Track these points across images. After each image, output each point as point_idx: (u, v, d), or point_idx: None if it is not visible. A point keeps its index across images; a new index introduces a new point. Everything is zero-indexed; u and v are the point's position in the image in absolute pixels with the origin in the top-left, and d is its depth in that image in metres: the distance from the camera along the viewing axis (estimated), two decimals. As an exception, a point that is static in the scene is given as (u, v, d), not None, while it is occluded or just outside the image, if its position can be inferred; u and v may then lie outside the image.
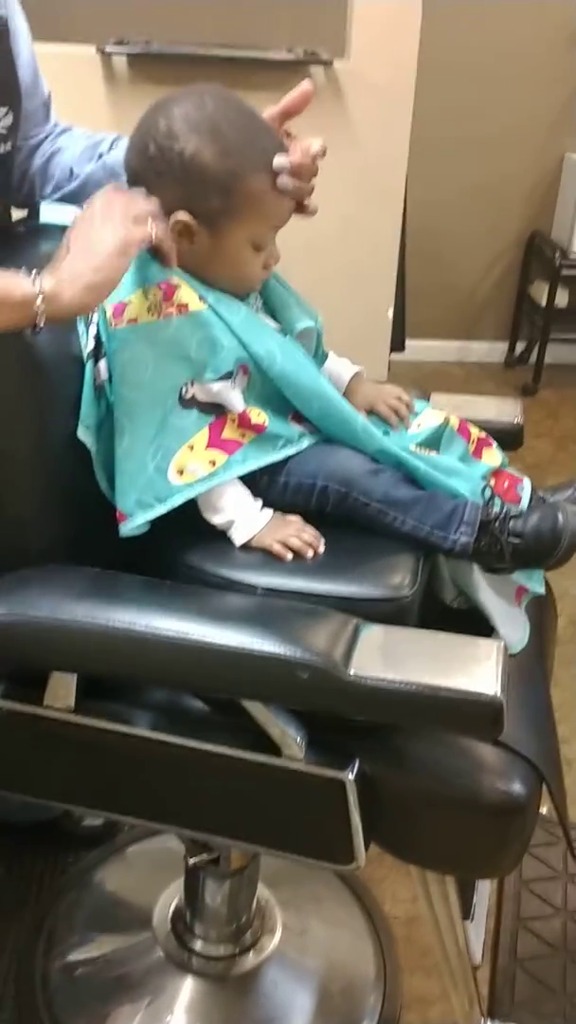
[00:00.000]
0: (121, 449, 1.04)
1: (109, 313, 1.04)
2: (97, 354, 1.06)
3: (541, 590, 1.21)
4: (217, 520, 1.06)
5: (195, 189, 1.03)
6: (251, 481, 1.08)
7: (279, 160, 1.04)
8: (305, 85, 1.08)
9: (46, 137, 1.29)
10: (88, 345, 1.06)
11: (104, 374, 1.06)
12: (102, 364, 1.06)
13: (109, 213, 0.98)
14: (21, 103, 1.19)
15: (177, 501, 1.04)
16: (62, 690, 1.00)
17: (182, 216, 1.03)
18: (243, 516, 1.05)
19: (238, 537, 1.05)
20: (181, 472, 1.04)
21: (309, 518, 1.08)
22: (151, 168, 1.03)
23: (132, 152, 1.06)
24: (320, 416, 1.11)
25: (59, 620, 0.95)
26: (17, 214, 1.27)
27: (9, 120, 1.17)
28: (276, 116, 1.09)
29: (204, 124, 1.02)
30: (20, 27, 1.20)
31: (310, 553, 1.03)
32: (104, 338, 1.05)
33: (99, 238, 0.97)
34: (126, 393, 1.03)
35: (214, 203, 1.03)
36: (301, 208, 1.08)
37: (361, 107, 2.59)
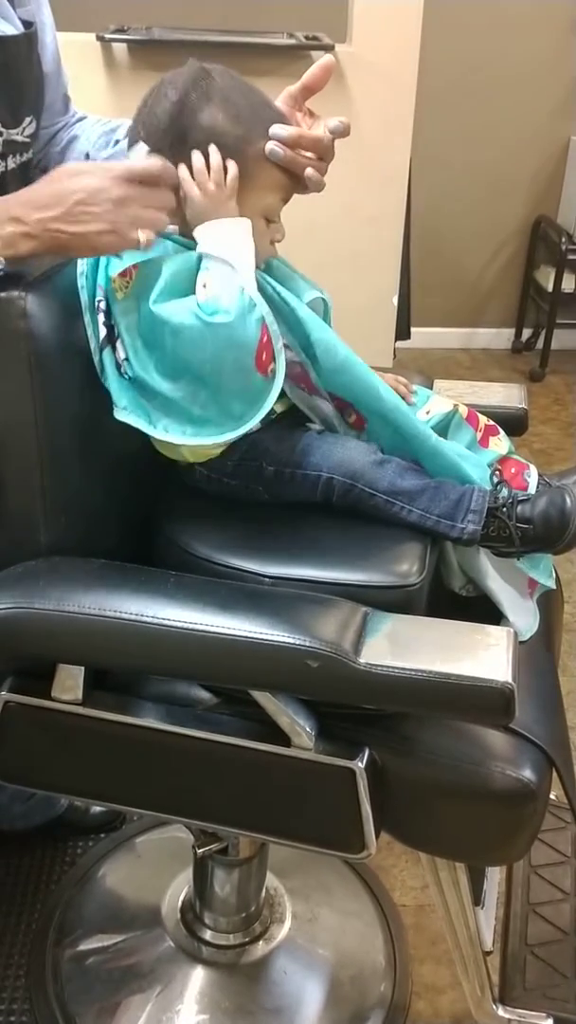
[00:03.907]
0: (198, 404, 1.01)
1: (116, 284, 1.01)
2: (111, 338, 1.03)
3: (552, 584, 1.20)
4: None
5: None
6: (256, 473, 1.08)
7: (275, 128, 1.03)
8: (326, 60, 1.07)
9: (63, 126, 1.29)
10: (100, 333, 1.04)
11: (122, 353, 1.02)
12: (119, 344, 1.02)
13: (117, 202, 0.92)
14: (44, 104, 1.19)
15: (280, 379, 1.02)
16: (70, 682, 1.00)
17: None
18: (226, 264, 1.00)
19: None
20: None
21: (316, 508, 1.07)
22: (163, 142, 1.01)
23: (140, 128, 1.05)
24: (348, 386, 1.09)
25: (66, 612, 0.94)
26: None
27: (32, 128, 1.17)
28: (297, 93, 1.08)
29: (214, 93, 1.02)
30: (46, 20, 1.20)
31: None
32: (117, 315, 1.01)
33: (90, 220, 0.92)
34: (183, 354, 0.99)
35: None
36: (301, 184, 1.06)
37: (364, 92, 2.57)
